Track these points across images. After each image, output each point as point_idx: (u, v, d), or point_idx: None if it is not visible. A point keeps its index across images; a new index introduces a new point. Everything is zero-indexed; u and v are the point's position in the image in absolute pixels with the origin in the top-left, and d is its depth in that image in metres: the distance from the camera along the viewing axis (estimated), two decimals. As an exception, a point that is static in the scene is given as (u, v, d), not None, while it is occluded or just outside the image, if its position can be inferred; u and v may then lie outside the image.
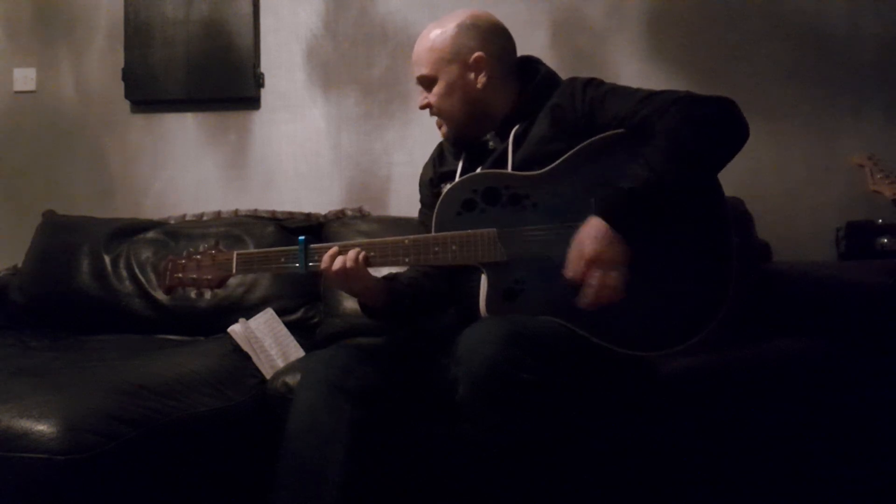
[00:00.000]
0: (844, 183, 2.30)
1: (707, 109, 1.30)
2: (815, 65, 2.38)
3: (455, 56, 1.45)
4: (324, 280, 2.20)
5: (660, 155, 1.26)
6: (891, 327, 1.71)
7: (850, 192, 2.27)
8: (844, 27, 2.37)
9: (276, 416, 1.47)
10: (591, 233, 1.24)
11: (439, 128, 1.52)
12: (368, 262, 1.39)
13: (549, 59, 1.56)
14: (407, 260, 1.38)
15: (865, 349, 1.63)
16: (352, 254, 1.37)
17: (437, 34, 1.46)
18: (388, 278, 1.53)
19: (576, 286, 1.24)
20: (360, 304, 1.51)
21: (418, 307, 1.54)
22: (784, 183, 2.38)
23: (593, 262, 1.23)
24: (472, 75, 1.45)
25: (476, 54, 1.45)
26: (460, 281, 1.44)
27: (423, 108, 1.51)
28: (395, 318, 1.54)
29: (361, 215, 2.41)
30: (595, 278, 1.23)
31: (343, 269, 1.37)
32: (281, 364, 1.77)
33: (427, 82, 1.48)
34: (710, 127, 1.28)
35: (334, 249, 1.39)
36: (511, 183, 1.37)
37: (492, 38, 1.47)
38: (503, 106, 1.48)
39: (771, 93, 2.39)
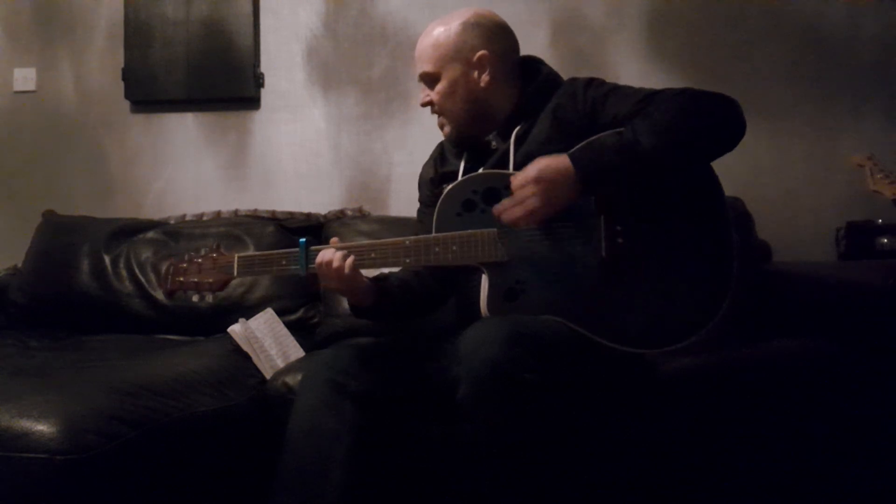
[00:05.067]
0: (844, 183, 2.30)
1: (704, 104, 1.31)
2: (815, 65, 2.38)
3: (458, 54, 1.44)
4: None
5: (646, 126, 1.27)
6: (891, 327, 1.71)
7: (850, 192, 2.27)
8: (844, 27, 2.37)
9: (276, 416, 1.47)
10: (550, 160, 1.27)
11: (441, 128, 1.52)
12: (370, 262, 1.38)
13: (549, 59, 1.56)
14: (408, 261, 1.38)
15: (865, 349, 1.63)
16: (338, 255, 1.36)
17: (440, 31, 1.46)
18: (379, 279, 1.53)
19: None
20: (349, 303, 1.51)
21: (407, 307, 1.54)
22: (784, 183, 2.38)
23: (532, 181, 1.25)
24: (475, 74, 1.45)
25: (480, 53, 1.44)
26: (461, 281, 1.44)
27: (424, 105, 1.50)
28: (383, 318, 1.54)
29: (361, 215, 2.41)
30: (523, 193, 1.25)
31: (329, 268, 1.36)
32: (281, 364, 1.77)
33: (429, 79, 1.48)
34: (704, 117, 1.29)
35: (333, 242, 1.39)
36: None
37: (495, 36, 1.47)
38: (505, 105, 1.47)
39: (771, 93, 2.39)
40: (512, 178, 1.29)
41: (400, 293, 1.51)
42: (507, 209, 1.28)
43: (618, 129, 1.31)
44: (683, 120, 1.28)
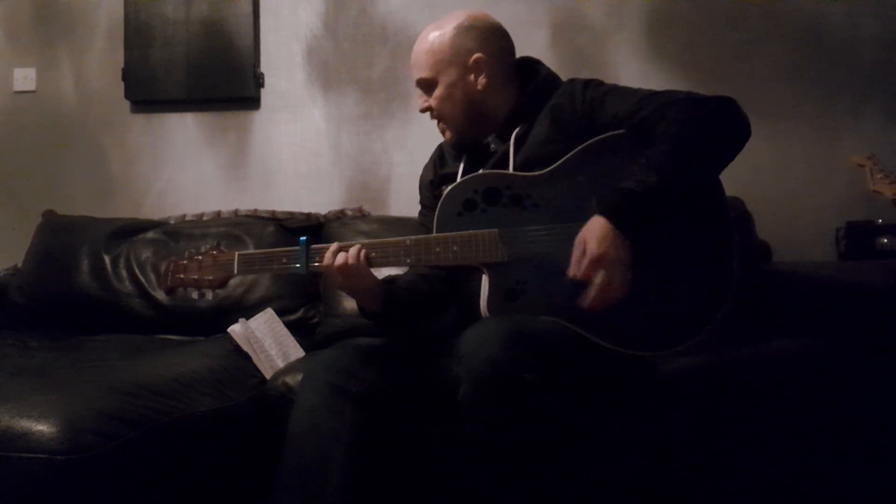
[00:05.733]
0: (844, 183, 2.30)
1: (709, 110, 1.30)
2: (815, 65, 2.38)
3: (454, 58, 1.44)
4: (325, 279, 2.21)
5: (665, 159, 1.25)
6: (891, 327, 1.71)
7: (850, 192, 2.27)
8: (844, 27, 2.37)
9: (276, 416, 1.47)
10: (595, 232, 1.23)
11: (442, 133, 1.52)
12: (370, 261, 1.38)
13: (549, 59, 1.56)
14: (408, 260, 1.38)
15: (865, 349, 1.63)
16: (353, 251, 1.37)
17: (435, 36, 1.46)
18: (387, 281, 1.53)
19: (578, 286, 1.23)
20: (358, 305, 1.51)
21: (415, 310, 1.54)
22: (784, 183, 2.38)
23: (597, 262, 1.21)
24: (471, 77, 1.45)
25: (475, 56, 1.44)
26: (461, 281, 1.44)
27: (423, 111, 1.50)
28: (391, 321, 1.54)
29: (361, 215, 2.41)
30: (599, 278, 1.21)
31: (345, 265, 1.37)
32: (281, 364, 1.77)
33: (426, 85, 1.47)
34: (714, 128, 1.28)
35: (335, 246, 1.39)
36: (512, 183, 1.37)
37: (491, 39, 1.47)
38: (503, 107, 1.47)
39: (771, 93, 2.39)
40: (569, 272, 1.23)
41: (408, 296, 1.51)
42: (595, 300, 1.22)
43: (637, 172, 1.26)
44: (699, 140, 1.27)
